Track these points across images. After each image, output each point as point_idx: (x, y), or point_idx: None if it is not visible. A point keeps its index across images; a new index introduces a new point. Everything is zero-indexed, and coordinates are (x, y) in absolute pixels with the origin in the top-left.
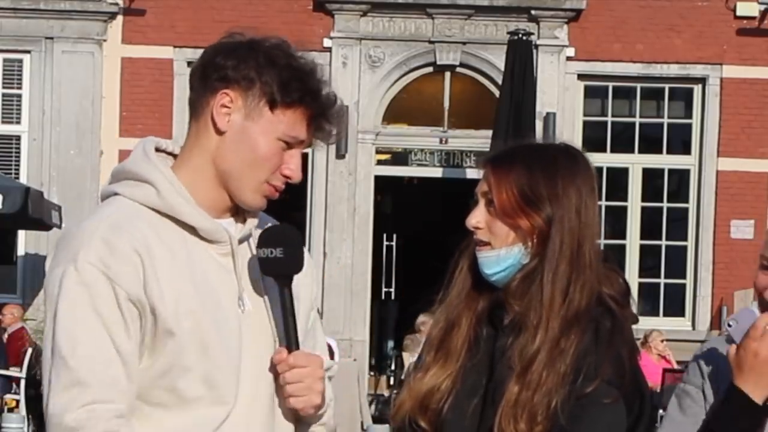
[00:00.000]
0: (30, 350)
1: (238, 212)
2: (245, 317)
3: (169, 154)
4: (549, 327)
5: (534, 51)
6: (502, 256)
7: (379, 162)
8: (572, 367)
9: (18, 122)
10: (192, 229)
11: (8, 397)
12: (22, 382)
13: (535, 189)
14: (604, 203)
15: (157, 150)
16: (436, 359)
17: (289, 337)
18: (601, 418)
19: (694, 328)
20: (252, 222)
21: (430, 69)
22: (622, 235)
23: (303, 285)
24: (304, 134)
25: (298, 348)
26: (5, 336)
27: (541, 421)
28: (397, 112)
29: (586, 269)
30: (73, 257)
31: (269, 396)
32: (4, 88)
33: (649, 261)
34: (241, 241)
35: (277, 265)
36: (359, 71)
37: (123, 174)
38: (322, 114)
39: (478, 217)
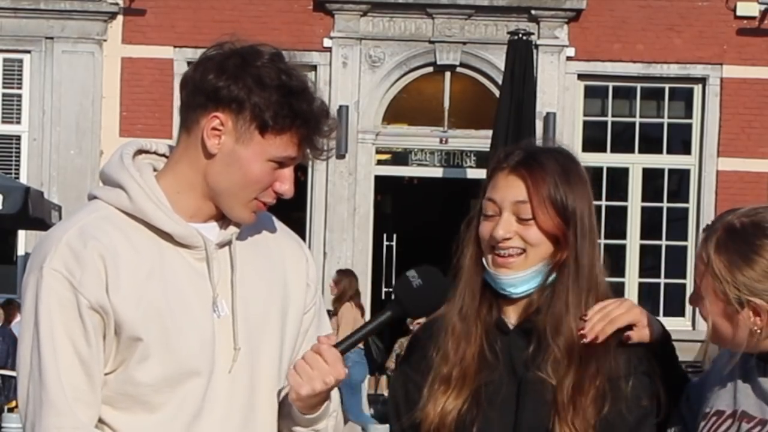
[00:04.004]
0: None
1: (224, 217)
2: (221, 322)
3: (161, 155)
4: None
5: (534, 51)
6: (529, 275)
7: (379, 162)
8: (614, 368)
9: (18, 122)
10: (166, 234)
11: None
12: None
13: (565, 202)
14: (604, 203)
15: (145, 152)
16: (454, 372)
17: (345, 340)
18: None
19: (694, 328)
20: (235, 226)
21: (430, 69)
22: (622, 235)
23: (296, 288)
24: (295, 153)
25: (342, 352)
26: None
27: (595, 423)
28: (397, 112)
29: (601, 273)
30: (40, 263)
31: (246, 402)
32: (4, 88)
33: (649, 261)
34: (222, 246)
35: (406, 290)
36: (359, 71)
37: (101, 177)
38: (314, 134)
39: (508, 228)
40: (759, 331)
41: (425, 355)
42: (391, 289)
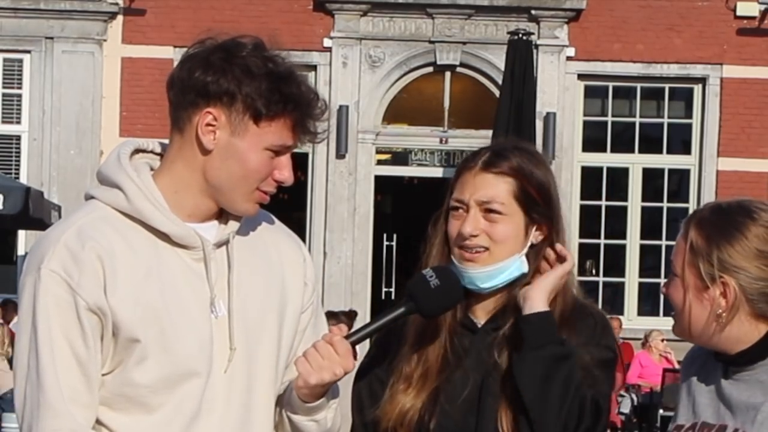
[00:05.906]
0: None
1: (222, 216)
2: (218, 323)
3: (158, 154)
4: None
5: (534, 51)
6: (500, 268)
7: (379, 162)
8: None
9: (18, 122)
10: (163, 235)
11: None
12: None
13: (540, 195)
14: (604, 203)
15: (142, 151)
16: (416, 372)
17: (357, 332)
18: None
19: None
20: (232, 226)
21: (430, 69)
22: (622, 235)
23: (294, 287)
24: (290, 140)
25: (352, 344)
26: None
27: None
28: (397, 112)
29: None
30: (37, 264)
31: (243, 402)
32: (4, 88)
33: (649, 261)
34: (219, 246)
35: (423, 288)
36: (359, 71)
37: (99, 177)
38: (306, 116)
39: (475, 224)
40: (722, 314)
41: (391, 352)
42: (391, 289)
